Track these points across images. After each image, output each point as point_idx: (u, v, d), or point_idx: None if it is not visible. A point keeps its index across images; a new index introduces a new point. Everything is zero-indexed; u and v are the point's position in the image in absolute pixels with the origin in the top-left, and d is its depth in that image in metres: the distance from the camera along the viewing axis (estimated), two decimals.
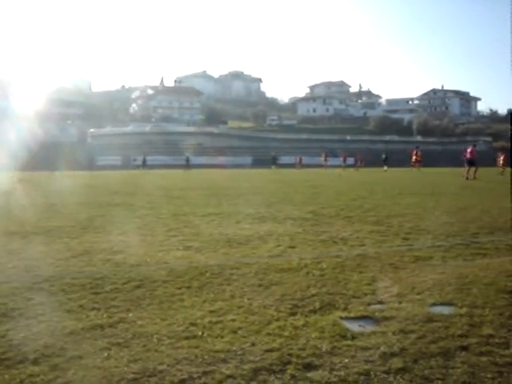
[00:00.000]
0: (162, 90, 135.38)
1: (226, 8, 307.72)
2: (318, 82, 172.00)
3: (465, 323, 4.63)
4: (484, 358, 3.90)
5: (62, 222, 11.44)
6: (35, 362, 3.88)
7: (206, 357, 3.93)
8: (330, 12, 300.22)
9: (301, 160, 67.44)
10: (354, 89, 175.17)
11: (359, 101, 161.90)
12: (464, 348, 4.09)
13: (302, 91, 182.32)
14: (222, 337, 4.33)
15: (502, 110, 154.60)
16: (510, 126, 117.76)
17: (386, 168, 57.51)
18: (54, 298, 5.53)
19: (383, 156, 63.25)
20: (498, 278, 6.20)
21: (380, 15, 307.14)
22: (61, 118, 77.27)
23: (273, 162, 66.04)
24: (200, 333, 4.42)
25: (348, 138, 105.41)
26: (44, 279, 6.26)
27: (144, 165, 55.92)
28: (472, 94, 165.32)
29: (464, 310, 5.00)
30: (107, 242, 8.85)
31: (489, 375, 3.64)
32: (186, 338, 4.32)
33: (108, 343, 4.20)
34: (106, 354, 3.98)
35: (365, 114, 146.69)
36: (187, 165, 57.39)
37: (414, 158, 54.94)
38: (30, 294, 5.64)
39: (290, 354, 3.96)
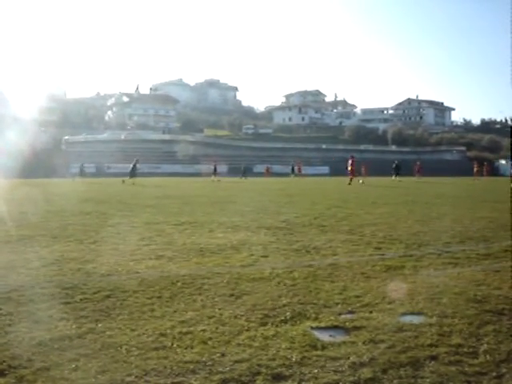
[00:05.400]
0: (137, 98, 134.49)
1: (202, 16, 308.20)
2: (294, 91, 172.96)
3: (434, 333, 4.66)
4: (453, 368, 3.93)
5: (34, 230, 11.31)
6: (1, 373, 3.82)
7: (174, 368, 3.91)
8: (306, 21, 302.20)
9: (300, 168, 68.57)
10: (329, 98, 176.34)
11: (335, 110, 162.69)
12: (433, 357, 4.12)
13: (278, 100, 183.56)
14: (192, 347, 4.31)
15: (476, 120, 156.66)
16: (483, 136, 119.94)
17: (395, 178, 52.95)
18: (23, 308, 5.46)
19: (394, 165, 58.44)
20: (468, 288, 6.27)
21: (355, 25, 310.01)
22: (35, 124, 76.21)
23: (291, 170, 67.06)
24: (170, 343, 4.39)
25: (323, 146, 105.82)
26: (13, 289, 6.17)
27: (215, 173, 55.75)
28: (446, 104, 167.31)
29: (434, 320, 5.04)
30: (78, 251, 8.77)
31: None
32: (156, 348, 4.29)
33: (76, 354, 4.15)
34: (73, 366, 3.94)
35: (340, 123, 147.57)
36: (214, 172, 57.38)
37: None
38: None
39: (259, 365, 3.95)
